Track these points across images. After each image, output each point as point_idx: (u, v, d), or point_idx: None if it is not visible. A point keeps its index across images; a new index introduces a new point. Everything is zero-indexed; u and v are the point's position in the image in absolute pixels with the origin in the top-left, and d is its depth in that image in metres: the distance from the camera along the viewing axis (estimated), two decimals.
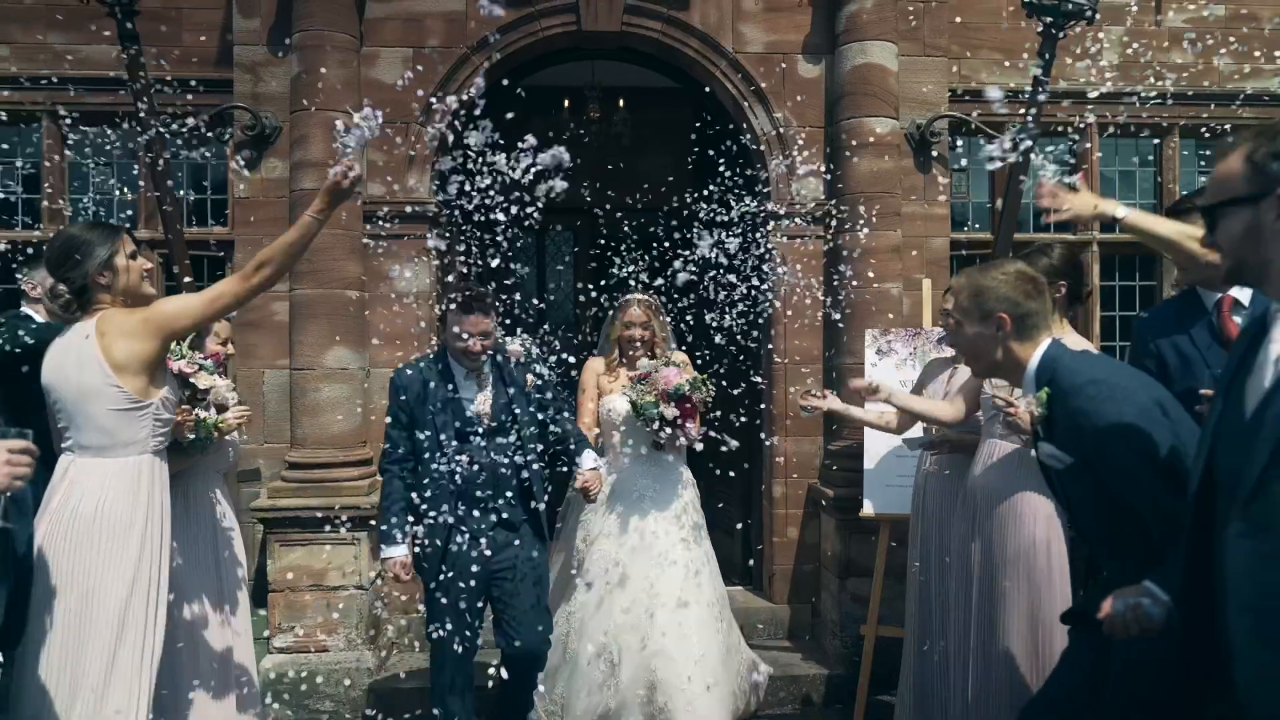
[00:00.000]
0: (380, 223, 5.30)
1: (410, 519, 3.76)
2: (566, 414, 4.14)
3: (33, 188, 6.72)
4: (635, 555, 4.41)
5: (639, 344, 4.63)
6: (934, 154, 5.83)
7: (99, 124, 6.26)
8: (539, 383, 3.97)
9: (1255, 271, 1.81)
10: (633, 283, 4.87)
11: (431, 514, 3.71)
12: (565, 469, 4.17)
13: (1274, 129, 1.79)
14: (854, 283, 5.39)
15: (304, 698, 4.82)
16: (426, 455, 3.73)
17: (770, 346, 5.73)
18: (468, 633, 3.80)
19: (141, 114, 5.24)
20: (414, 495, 3.73)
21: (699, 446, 4.55)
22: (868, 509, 4.77)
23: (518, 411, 3.85)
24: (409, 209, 5.42)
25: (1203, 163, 6.70)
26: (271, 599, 4.96)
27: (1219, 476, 1.78)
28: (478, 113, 3.14)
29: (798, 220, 5.59)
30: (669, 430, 4.37)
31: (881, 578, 4.77)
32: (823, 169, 5.57)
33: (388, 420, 3.84)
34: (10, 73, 6.57)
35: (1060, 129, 6.31)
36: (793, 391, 5.30)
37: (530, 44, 5.54)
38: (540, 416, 3.98)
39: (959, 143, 5.97)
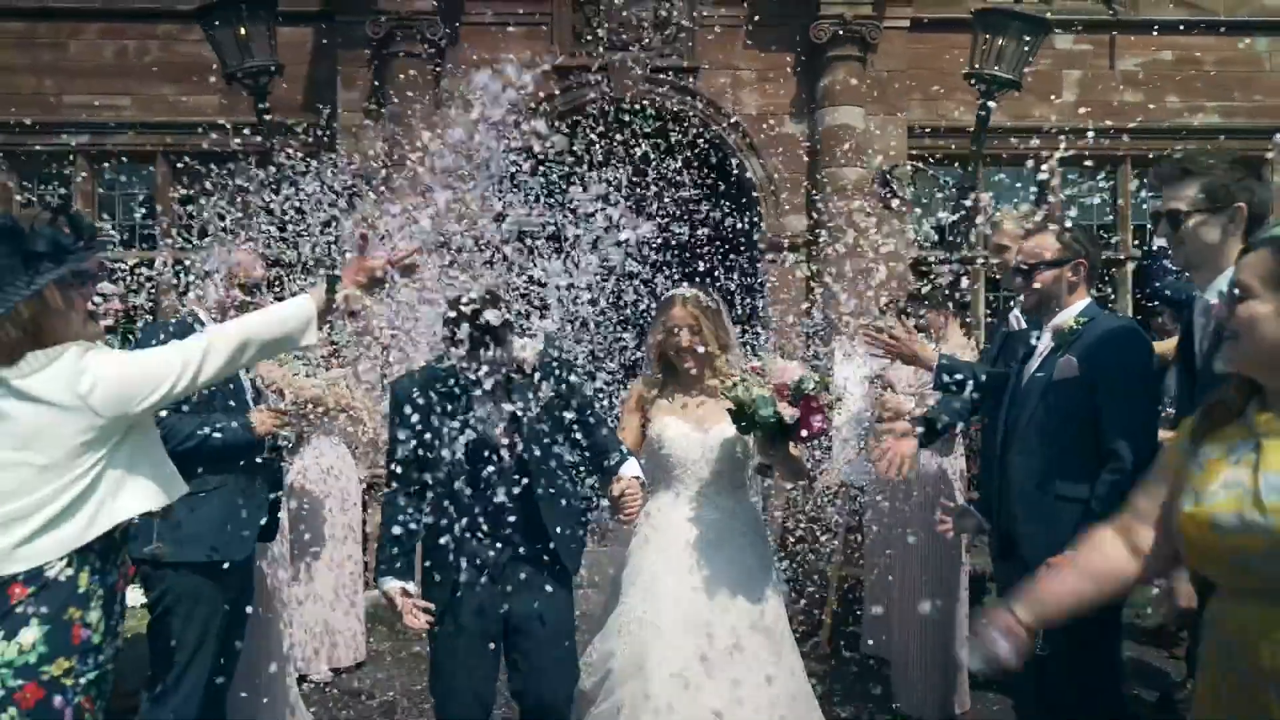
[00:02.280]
0: None
1: (409, 549, 3.03)
2: (599, 420, 3.20)
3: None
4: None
5: (688, 356, 3.26)
6: (895, 193, 7.21)
7: (205, 163, 7.63)
8: (560, 392, 3.08)
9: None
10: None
11: (439, 545, 3.00)
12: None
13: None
14: (830, 297, 6.77)
15: None
16: (430, 478, 3.01)
17: (762, 340, 7.09)
18: (481, 691, 3.03)
19: (261, 157, 6.61)
20: (414, 523, 3.02)
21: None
22: (831, 479, 6.08)
23: (523, 431, 3.01)
24: None
25: (1150, 191, 8.07)
26: None
27: (1009, 424, 2.99)
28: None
29: (785, 249, 6.99)
30: (784, 443, 3.13)
31: (844, 532, 6.09)
32: (804, 206, 6.96)
33: (388, 435, 3.15)
34: (130, 119, 7.93)
35: (1023, 161, 7.67)
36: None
37: (573, 107, 6.91)
38: (558, 436, 3.10)
39: (915, 183, 7.35)
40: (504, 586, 3.02)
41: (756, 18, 6.90)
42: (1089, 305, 2.93)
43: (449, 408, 2.99)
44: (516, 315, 3.16)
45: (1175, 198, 2.57)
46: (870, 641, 5.07)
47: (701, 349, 3.28)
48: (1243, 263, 1.80)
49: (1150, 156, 7.66)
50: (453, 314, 2.92)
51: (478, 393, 3.00)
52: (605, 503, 3.17)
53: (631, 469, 3.12)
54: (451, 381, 3.02)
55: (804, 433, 3.09)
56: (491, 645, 3.03)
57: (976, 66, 6.56)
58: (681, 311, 3.30)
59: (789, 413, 3.04)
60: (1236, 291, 1.77)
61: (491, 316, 2.88)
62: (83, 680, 2.08)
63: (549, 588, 3.07)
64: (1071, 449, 2.74)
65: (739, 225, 6.85)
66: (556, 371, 3.11)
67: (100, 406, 2.11)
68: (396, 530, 2.99)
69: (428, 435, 2.99)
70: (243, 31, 5.95)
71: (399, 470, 3.02)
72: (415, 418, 2.98)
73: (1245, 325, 1.75)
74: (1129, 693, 4.19)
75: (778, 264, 7.02)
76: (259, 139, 6.60)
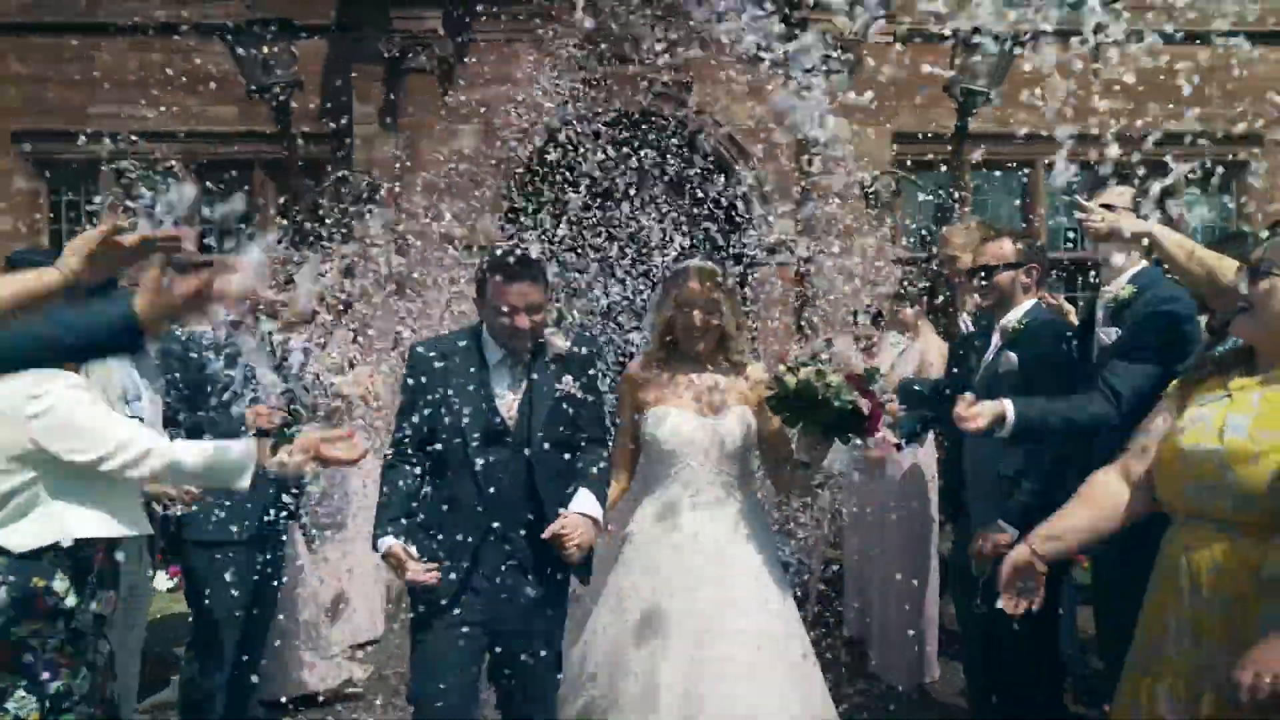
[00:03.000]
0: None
1: (410, 512, 2.84)
2: (597, 439, 2.98)
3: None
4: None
5: (701, 335, 2.98)
6: (878, 199, 7.60)
7: (222, 170, 8.05)
8: (580, 384, 2.90)
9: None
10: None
11: (438, 525, 2.83)
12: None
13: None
14: (817, 295, 7.17)
15: None
16: (437, 450, 2.82)
17: (753, 338, 7.50)
18: (466, 697, 2.81)
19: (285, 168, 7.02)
20: (416, 490, 2.85)
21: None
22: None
23: (534, 417, 2.81)
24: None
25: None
26: None
27: None
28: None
29: (776, 250, 7.38)
30: (832, 440, 2.88)
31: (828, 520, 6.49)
32: (795, 211, 7.36)
33: (400, 402, 2.98)
34: (150, 129, 8.34)
35: (1010, 166, 8.05)
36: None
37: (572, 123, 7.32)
38: (564, 429, 2.89)
39: (899, 190, 7.75)
40: (499, 590, 2.79)
41: (749, 35, 7.30)
42: (1033, 306, 3.32)
43: (466, 380, 2.81)
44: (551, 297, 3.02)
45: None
46: (851, 615, 5.47)
47: (718, 328, 2.99)
48: (1272, 243, 2.09)
49: (1132, 161, 8.01)
50: (493, 261, 2.78)
51: (495, 362, 2.85)
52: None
53: (583, 504, 2.80)
54: (472, 352, 2.86)
55: (869, 429, 2.81)
56: (478, 651, 2.81)
57: (956, 80, 6.95)
58: (698, 286, 2.98)
59: (865, 404, 2.77)
60: (1260, 268, 2.00)
61: (555, 336, 2.86)
62: (51, 641, 2.32)
63: (544, 597, 2.84)
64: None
65: (734, 230, 7.25)
66: (584, 365, 2.92)
67: (37, 434, 2.27)
68: (398, 492, 2.82)
69: (440, 405, 2.80)
70: (266, 50, 6.35)
71: (407, 434, 2.86)
72: (429, 384, 2.81)
73: (1263, 298, 1.99)
74: (1090, 663, 4.54)
75: (769, 267, 7.41)
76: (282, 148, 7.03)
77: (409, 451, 2.86)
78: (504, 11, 7.02)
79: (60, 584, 2.36)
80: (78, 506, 2.36)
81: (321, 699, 4.32)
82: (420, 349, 2.92)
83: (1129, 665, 2.17)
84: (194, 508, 3.31)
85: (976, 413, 2.78)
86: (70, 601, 2.37)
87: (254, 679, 3.70)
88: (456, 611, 2.77)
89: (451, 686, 2.74)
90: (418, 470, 2.86)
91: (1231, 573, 1.94)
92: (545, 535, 2.71)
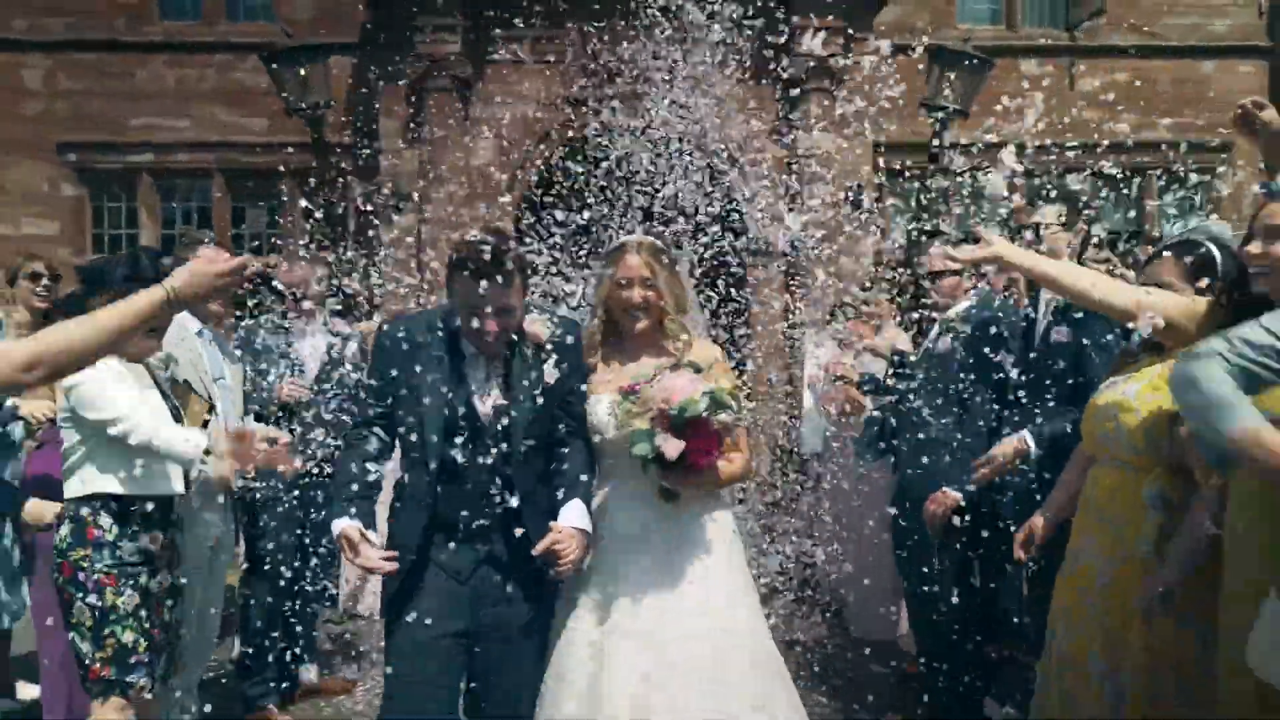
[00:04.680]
0: None
1: (369, 495, 2.63)
2: (577, 433, 2.77)
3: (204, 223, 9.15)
4: (622, 651, 2.63)
5: (639, 314, 2.83)
6: (863, 206, 8.26)
7: (256, 179, 8.71)
8: (558, 378, 2.67)
9: None
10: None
11: (404, 514, 2.66)
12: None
13: None
14: (805, 295, 7.83)
15: None
16: (402, 436, 2.66)
17: (746, 334, 8.14)
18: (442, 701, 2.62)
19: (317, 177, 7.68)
20: (377, 470, 2.66)
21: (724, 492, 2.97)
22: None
23: (514, 414, 2.62)
24: None
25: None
26: None
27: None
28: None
29: (766, 255, 8.04)
30: (674, 475, 2.66)
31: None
32: (786, 219, 8.02)
33: (366, 381, 2.89)
34: (189, 139, 9.00)
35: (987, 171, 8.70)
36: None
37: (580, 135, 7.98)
38: (544, 427, 2.70)
39: (881, 197, 8.42)
40: (473, 589, 2.60)
41: (742, 56, 7.98)
42: (982, 298, 3.98)
43: (440, 371, 2.60)
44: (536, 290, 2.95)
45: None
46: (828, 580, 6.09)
47: (656, 305, 2.81)
48: (1273, 208, 2.26)
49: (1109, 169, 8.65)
50: (459, 256, 2.51)
51: (472, 353, 2.63)
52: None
53: (574, 517, 2.60)
54: (447, 341, 2.63)
55: (700, 462, 2.59)
56: (458, 669, 2.62)
57: (930, 97, 7.63)
58: (635, 260, 2.82)
59: (671, 448, 2.55)
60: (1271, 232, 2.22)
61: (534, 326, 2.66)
62: (99, 565, 3.02)
63: (529, 602, 2.64)
64: (946, 405, 3.78)
65: (727, 234, 7.89)
66: (567, 358, 2.69)
67: (72, 400, 3.03)
68: (357, 471, 2.61)
69: (411, 396, 2.60)
70: (302, 72, 7.00)
71: (371, 414, 2.69)
72: (398, 365, 2.62)
73: (1276, 262, 2.23)
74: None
75: (762, 268, 8.08)
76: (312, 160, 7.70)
77: (374, 431, 2.68)
78: (515, 38, 7.67)
79: (105, 521, 3.09)
80: (113, 466, 3.07)
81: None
82: (393, 326, 2.78)
83: (1059, 574, 2.78)
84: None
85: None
86: (112, 536, 3.08)
87: (312, 607, 4.32)
88: (428, 622, 2.54)
89: (429, 710, 2.55)
90: (381, 450, 2.68)
91: (1123, 497, 2.57)
92: (536, 551, 2.51)
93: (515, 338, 2.63)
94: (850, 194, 8.12)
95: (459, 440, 2.58)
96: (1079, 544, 2.72)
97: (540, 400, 2.65)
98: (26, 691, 4.49)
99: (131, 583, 3.08)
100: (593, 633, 2.67)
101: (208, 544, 3.64)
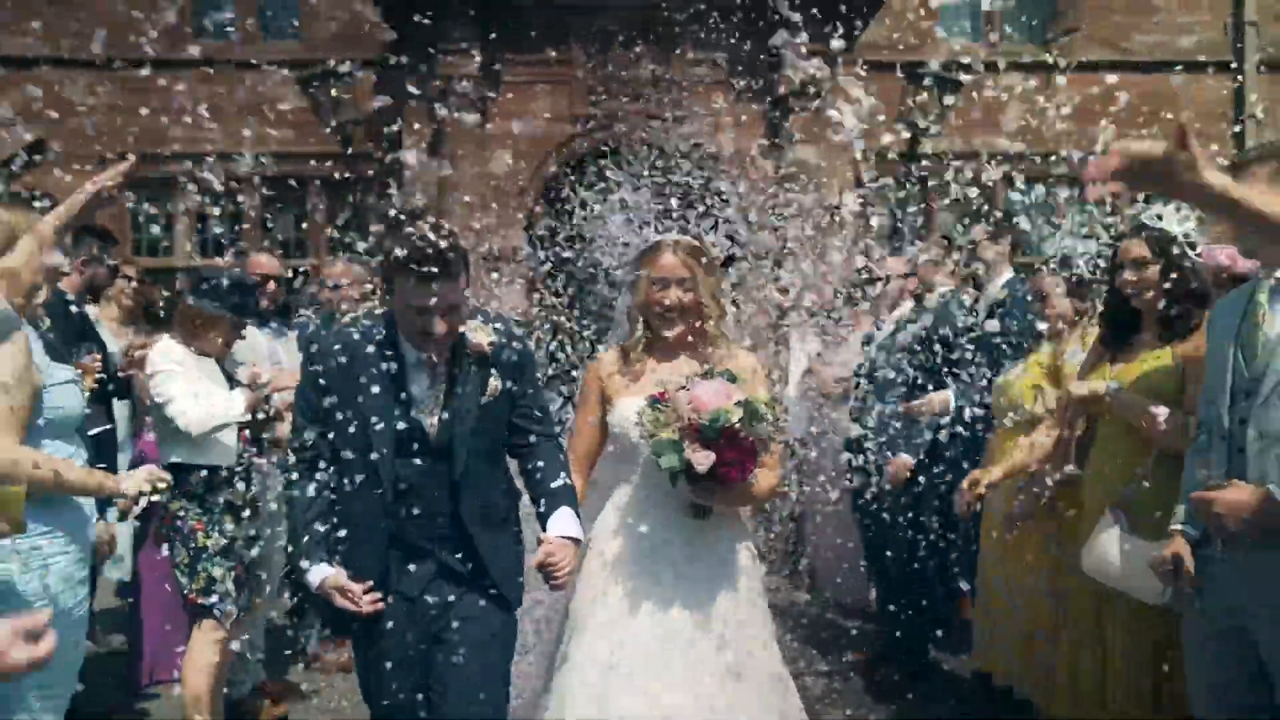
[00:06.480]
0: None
1: (331, 531, 2.57)
2: (548, 436, 2.72)
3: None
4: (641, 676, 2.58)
5: (675, 315, 2.76)
6: (847, 214, 8.92)
7: (282, 186, 9.40)
8: (504, 389, 2.60)
9: None
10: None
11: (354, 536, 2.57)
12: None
13: None
14: (794, 294, 8.50)
15: None
16: (345, 464, 2.53)
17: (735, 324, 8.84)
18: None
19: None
20: (328, 502, 2.57)
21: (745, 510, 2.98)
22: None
23: (457, 429, 2.54)
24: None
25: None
26: None
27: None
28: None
29: (758, 257, 8.71)
30: (704, 488, 2.58)
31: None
32: (771, 225, 8.69)
33: (297, 401, 2.69)
34: (222, 150, 9.67)
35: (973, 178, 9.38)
36: None
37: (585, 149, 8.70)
38: (491, 438, 2.64)
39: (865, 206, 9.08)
40: (426, 608, 2.55)
41: (732, 77, 8.75)
42: (911, 305, 4.73)
43: (380, 381, 2.49)
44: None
45: None
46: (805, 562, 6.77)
47: (694, 307, 2.73)
48: (1128, 245, 2.97)
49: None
50: (404, 255, 2.37)
51: (414, 362, 2.52)
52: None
53: (565, 526, 2.56)
54: (384, 347, 2.52)
55: (734, 476, 2.48)
56: (417, 670, 2.57)
57: (904, 112, 8.34)
58: (672, 260, 2.75)
59: (701, 459, 2.45)
60: None
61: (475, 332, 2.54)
62: (191, 512, 3.69)
63: (484, 604, 2.59)
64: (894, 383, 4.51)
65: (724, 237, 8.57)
66: (514, 364, 2.61)
67: (151, 385, 3.80)
68: (318, 507, 2.53)
69: (349, 408, 2.49)
70: (334, 93, 7.70)
71: (308, 441, 2.57)
72: (334, 383, 2.50)
73: (1144, 284, 2.93)
74: None
75: (754, 269, 8.76)
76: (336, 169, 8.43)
77: (312, 458, 2.57)
78: (529, 59, 8.39)
79: (194, 478, 3.72)
80: (181, 440, 3.71)
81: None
82: (321, 337, 2.69)
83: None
84: None
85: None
86: (200, 491, 3.73)
87: None
88: (390, 640, 2.53)
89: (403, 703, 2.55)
90: (327, 477, 2.56)
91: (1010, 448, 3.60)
92: (533, 564, 2.51)
93: (453, 350, 2.55)
94: (833, 204, 8.81)
95: (410, 458, 2.51)
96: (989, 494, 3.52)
97: (491, 409, 2.58)
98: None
99: (217, 528, 3.75)
100: (597, 665, 2.61)
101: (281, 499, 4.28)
